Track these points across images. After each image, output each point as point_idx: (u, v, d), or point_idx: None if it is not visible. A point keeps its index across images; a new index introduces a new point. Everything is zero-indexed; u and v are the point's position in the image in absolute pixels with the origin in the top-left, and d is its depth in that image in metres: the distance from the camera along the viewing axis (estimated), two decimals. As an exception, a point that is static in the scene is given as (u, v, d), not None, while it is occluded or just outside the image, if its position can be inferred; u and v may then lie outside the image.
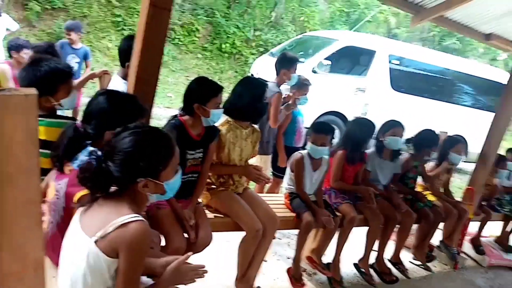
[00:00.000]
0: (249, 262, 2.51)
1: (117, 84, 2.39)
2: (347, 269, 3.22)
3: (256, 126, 2.68)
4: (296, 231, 2.83)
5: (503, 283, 3.73)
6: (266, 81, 2.81)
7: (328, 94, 6.78)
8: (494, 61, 13.38)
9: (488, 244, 4.29)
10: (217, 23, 10.48)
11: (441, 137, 3.94)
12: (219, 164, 2.48)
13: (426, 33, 13.28)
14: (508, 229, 4.35)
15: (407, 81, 7.51)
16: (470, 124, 7.33)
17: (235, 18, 10.85)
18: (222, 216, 2.49)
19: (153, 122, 2.10)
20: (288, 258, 3.20)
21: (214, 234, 2.29)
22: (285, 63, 3.43)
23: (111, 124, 1.53)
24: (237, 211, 2.44)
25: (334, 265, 3.02)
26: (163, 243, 2.11)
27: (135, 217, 1.28)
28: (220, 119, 2.29)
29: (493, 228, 4.58)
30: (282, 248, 3.46)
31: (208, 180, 2.54)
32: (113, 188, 1.37)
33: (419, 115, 7.09)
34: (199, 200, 2.43)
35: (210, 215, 2.48)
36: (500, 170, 4.03)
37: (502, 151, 4.28)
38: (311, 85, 3.66)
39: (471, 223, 3.92)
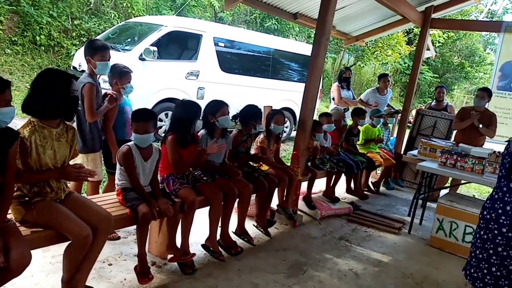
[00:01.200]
0: (78, 265, 2.29)
1: None
2: (197, 251, 3.25)
3: (69, 122, 2.41)
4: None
5: (332, 229, 4.29)
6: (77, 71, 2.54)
7: (160, 81, 6.65)
8: (310, 38, 15.05)
9: (318, 199, 4.88)
10: (25, 13, 9.12)
11: (266, 111, 4.26)
12: (28, 172, 2.15)
13: (249, 15, 14.11)
14: (331, 183, 5.00)
15: (234, 62, 7.91)
16: (298, 96, 8.16)
17: (47, 6, 9.60)
18: (42, 229, 2.19)
19: None
20: (135, 255, 3.05)
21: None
22: (90, 51, 3.16)
23: None
24: (58, 220, 2.18)
25: (183, 250, 3.01)
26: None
27: None
28: (12, 118, 1.97)
29: (320, 184, 5.25)
30: (129, 246, 3.28)
31: (19, 193, 2.20)
32: None
33: (250, 93, 7.58)
34: (8, 217, 2.08)
35: (27, 231, 2.15)
36: (317, 134, 4.57)
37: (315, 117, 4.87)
38: (133, 72, 3.48)
39: (302, 183, 4.40)
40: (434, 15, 6.51)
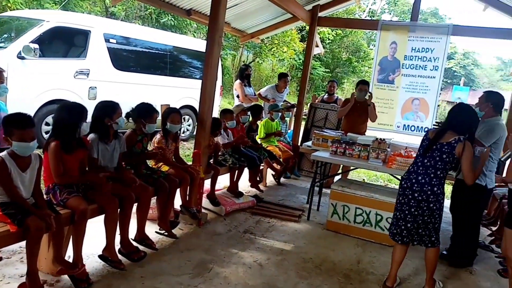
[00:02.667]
0: None
1: None
2: (95, 263, 3.04)
3: None
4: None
5: (237, 224, 4.36)
6: None
7: (45, 82, 6.07)
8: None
9: (222, 195, 4.91)
10: None
11: (163, 109, 4.14)
12: None
13: (144, 11, 13.58)
14: (234, 178, 5.07)
15: (129, 59, 7.55)
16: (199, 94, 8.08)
17: None
18: None
19: None
20: (22, 276, 2.74)
21: None
22: None
23: None
24: None
25: (76, 264, 2.78)
26: None
27: None
28: None
29: (224, 180, 5.30)
30: (14, 267, 2.94)
31: None
32: None
33: (147, 91, 7.31)
34: None
35: None
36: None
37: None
38: (5, 71, 3.10)
39: (205, 181, 4.38)
40: (320, 14, 6.96)
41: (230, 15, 6.45)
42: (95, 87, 6.72)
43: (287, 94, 7.45)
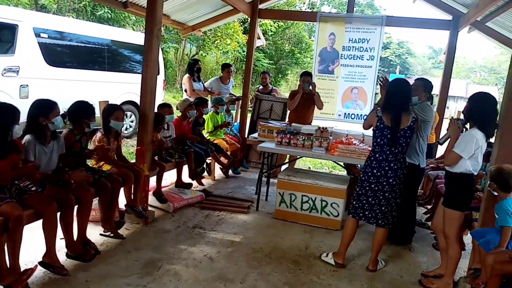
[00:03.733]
0: None
1: None
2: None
3: None
4: None
5: (186, 219, 4.32)
6: None
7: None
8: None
9: (170, 192, 4.83)
10: None
11: (102, 106, 3.98)
12: None
13: (77, 3, 12.87)
14: (181, 173, 5.00)
15: (63, 54, 7.14)
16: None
17: None
18: None
19: None
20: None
21: None
22: None
23: None
24: None
25: (13, 274, 2.62)
26: None
27: None
28: None
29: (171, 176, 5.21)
30: None
31: None
32: None
33: (85, 87, 6.98)
34: None
35: None
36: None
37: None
38: None
39: (150, 178, 4.28)
40: (261, 6, 7.00)
41: (169, 7, 6.31)
42: (27, 85, 6.29)
43: (233, 86, 7.45)
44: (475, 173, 3.14)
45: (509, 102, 3.11)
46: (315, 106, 5.90)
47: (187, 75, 6.66)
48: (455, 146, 3.07)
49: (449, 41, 6.39)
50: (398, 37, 45.40)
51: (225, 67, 7.05)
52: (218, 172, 6.21)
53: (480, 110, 3.06)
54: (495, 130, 3.14)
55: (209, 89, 6.81)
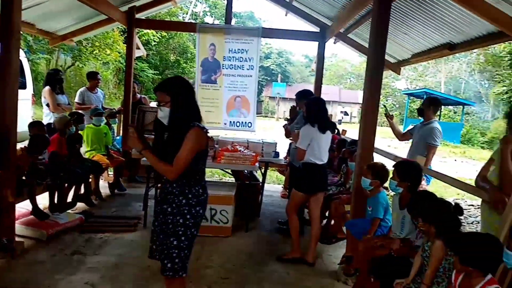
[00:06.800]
0: None
1: None
2: None
3: None
4: None
5: (63, 246, 3.92)
6: None
7: None
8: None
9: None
10: None
11: None
12: None
13: None
14: (54, 197, 4.55)
15: None
16: None
17: None
18: None
19: None
20: None
21: None
22: None
23: None
24: None
25: None
26: None
27: None
28: None
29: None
30: None
31: None
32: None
33: None
34: None
35: None
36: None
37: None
38: None
39: (15, 206, 3.80)
40: (138, 15, 6.78)
41: (32, 15, 5.72)
42: None
43: (104, 96, 7.06)
44: (319, 162, 3.85)
45: (366, 104, 3.56)
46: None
47: (47, 87, 5.87)
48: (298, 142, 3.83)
49: (318, 51, 6.98)
50: (279, 46, 48.38)
51: (91, 75, 6.71)
52: (103, 190, 5.79)
53: (315, 110, 3.89)
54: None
55: (81, 103, 6.34)
